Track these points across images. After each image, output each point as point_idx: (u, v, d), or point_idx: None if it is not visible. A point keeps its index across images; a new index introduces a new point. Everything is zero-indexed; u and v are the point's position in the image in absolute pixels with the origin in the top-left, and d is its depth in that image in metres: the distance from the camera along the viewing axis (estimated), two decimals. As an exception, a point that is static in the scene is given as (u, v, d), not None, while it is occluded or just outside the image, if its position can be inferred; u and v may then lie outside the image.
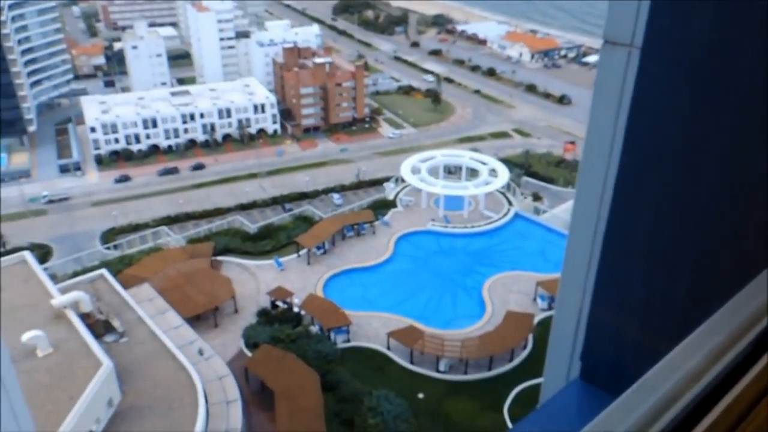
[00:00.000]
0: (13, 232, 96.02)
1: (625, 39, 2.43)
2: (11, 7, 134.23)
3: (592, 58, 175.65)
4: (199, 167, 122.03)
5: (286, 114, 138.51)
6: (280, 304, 58.95)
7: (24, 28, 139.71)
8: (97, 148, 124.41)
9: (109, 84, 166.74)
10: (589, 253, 2.81)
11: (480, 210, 75.02)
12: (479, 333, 55.29)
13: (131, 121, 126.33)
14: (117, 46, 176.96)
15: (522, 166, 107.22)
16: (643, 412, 1.58)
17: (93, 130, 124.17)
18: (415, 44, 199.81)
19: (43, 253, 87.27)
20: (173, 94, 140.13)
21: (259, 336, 53.58)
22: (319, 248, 67.03)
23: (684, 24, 2.02)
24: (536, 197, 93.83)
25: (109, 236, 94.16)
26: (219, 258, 66.43)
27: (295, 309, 58.16)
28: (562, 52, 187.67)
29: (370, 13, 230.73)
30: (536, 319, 56.53)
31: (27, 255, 51.72)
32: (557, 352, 3.06)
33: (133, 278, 58.16)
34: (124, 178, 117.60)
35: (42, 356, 40.39)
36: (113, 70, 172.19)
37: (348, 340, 55.22)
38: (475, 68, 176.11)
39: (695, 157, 2.18)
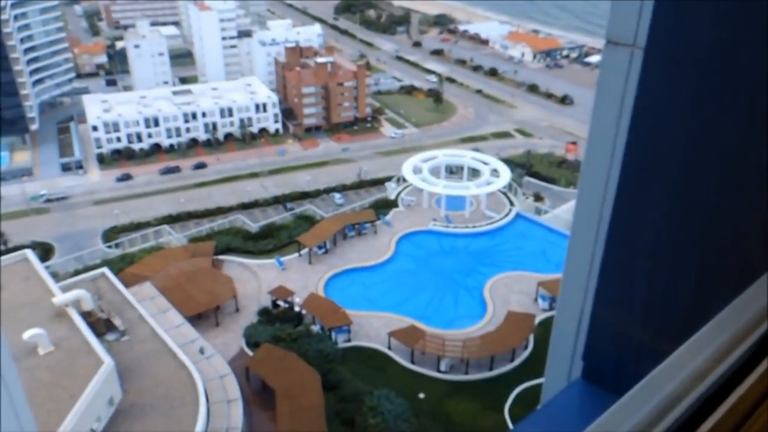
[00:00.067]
0: (15, 230, 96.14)
1: (627, 39, 2.43)
2: (14, 5, 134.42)
3: (595, 59, 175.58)
4: (200, 166, 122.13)
5: (288, 113, 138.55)
6: (281, 303, 58.98)
7: (26, 26, 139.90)
8: (99, 147, 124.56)
9: (111, 83, 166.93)
10: (591, 253, 2.81)
11: (481, 210, 75.01)
12: (480, 333, 55.28)
13: (133, 119, 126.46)
14: (119, 44, 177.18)
15: (524, 167, 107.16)
16: (647, 412, 1.58)
17: (95, 128, 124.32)
18: (417, 44, 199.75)
19: (44, 252, 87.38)
20: (175, 93, 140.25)
21: (260, 335, 53.60)
22: (320, 248, 67.04)
23: (687, 24, 2.01)
24: (538, 197, 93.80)
25: (110, 235, 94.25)
26: (220, 257, 66.47)
27: (296, 308, 58.19)
28: (565, 52, 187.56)
29: (372, 13, 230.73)
30: (537, 320, 56.51)
31: (29, 253, 51.76)
32: (559, 352, 3.06)
33: (135, 277, 58.21)
34: (126, 177, 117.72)
35: (43, 354, 40.43)
36: (115, 68, 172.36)
37: (349, 340, 55.23)
38: (477, 68, 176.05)
39: (698, 157, 2.18)
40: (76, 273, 61.06)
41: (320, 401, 45.39)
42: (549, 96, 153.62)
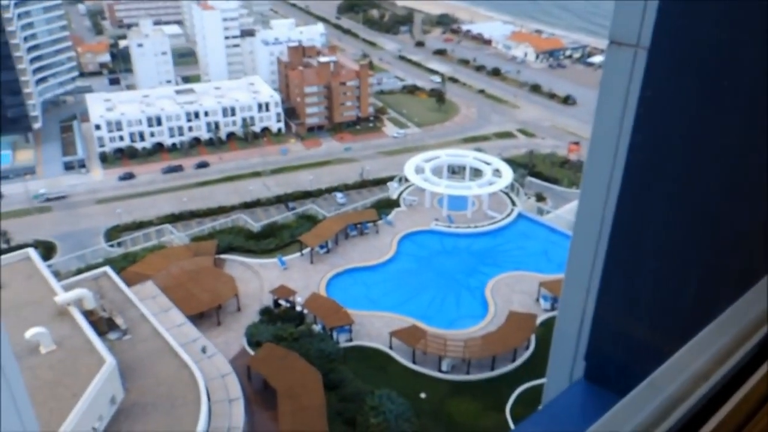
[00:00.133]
0: (17, 228, 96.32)
1: (630, 39, 2.43)
2: (17, 4, 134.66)
3: (597, 59, 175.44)
4: (203, 165, 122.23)
5: (291, 113, 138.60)
6: (282, 302, 59.00)
7: (30, 25, 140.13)
8: (102, 146, 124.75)
9: (114, 82, 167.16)
10: (593, 253, 2.81)
11: (483, 210, 74.98)
12: (482, 333, 55.26)
13: (136, 118, 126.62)
14: (122, 43, 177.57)
15: (526, 167, 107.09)
16: (649, 412, 1.57)
17: (98, 127, 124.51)
18: (419, 44, 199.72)
19: (47, 250, 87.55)
20: (178, 92, 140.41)
21: (262, 334, 53.62)
22: (322, 247, 67.07)
23: (691, 25, 2.01)
24: (540, 198, 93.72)
25: (113, 234, 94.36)
26: (222, 256, 66.50)
27: (298, 308, 58.20)
28: (567, 53, 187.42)
29: (375, 12, 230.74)
30: (539, 320, 56.48)
31: (31, 252, 51.83)
32: (560, 352, 3.06)
33: (137, 276, 58.26)
34: (129, 176, 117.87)
35: (45, 353, 40.48)
36: (118, 67, 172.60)
37: (350, 340, 55.24)
38: (479, 68, 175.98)
39: (702, 158, 2.17)
40: (79, 272, 61.14)
41: (322, 401, 45.40)
42: (552, 96, 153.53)
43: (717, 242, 2.26)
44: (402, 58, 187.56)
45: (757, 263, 2.07)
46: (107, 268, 55.26)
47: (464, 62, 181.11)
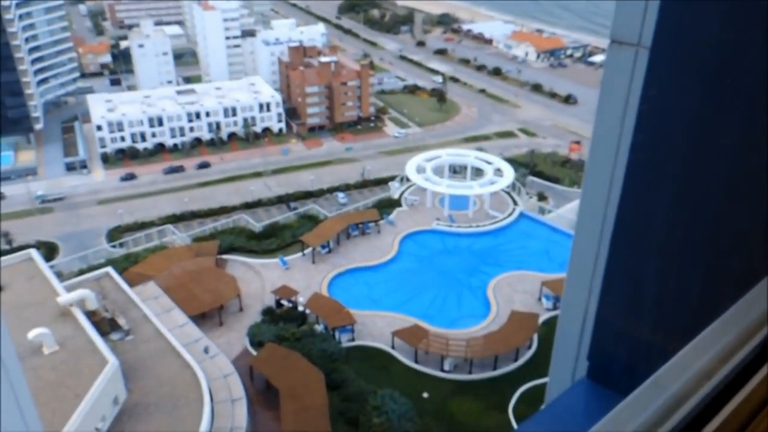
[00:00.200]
0: (19, 229, 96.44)
1: (632, 39, 2.43)
2: (18, 5, 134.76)
3: (598, 58, 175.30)
4: (204, 166, 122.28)
5: (292, 113, 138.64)
6: (285, 302, 59.03)
7: (31, 26, 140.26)
8: (103, 147, 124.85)
9: (116, 82, 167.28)
10: (595, 253, 2.81)
11: (485, 209, 74.97)
12: (484, 332, 55.26)
13: (137, 119, 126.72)
14: (123, 44, 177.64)
15: (527, 166, 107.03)
16: (653, 411, 1.57)
17: (99, 128, 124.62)
18: (420, 43, 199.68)
19: (49, 251, 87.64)
20: (179, 92, 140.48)
21: (264, 334, 53.64)
22: (323, 247, 67.09)
23: (693, 24, 2.01)
24: (541, 197, 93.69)
25: (114, 234, 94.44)
26: (224, 256, 66.54)
27: (300, 308, 58.22)
28: (568, 52, 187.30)
29: (375, 12, 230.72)
30: (541, 319, 56.46)
31: (33, 252, 51.88)
32: (563, 351, 3.06)
33: (139, 276, 58.32)
34: (130, 177, 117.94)
35: (48, 354, 40.53)
36: (119, 68, 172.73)
37: (353, 339, 55.25)
38: (480, 67, 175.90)
39: (704, 158, 2.17)
40: (81, 272, 61.21)
41: (324, 401, 45.41)
42: (553, 95, 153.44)
43: (720, 241, 2.25)
44: (403, 57, 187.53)
45: (761, 262, 2.07)
46: (109, 269, 55.31)
47: (465, 62, 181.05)
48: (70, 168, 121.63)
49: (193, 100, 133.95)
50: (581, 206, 2.90)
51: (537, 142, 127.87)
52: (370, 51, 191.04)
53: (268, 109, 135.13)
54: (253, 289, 61.30)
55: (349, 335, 55.23)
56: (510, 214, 74.32)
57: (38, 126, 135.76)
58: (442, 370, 52.54)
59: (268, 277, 63.04)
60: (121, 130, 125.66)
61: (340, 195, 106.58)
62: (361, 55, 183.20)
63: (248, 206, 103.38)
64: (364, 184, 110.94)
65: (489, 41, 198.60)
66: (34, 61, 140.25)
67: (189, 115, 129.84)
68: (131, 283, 54.09)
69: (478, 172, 78.86)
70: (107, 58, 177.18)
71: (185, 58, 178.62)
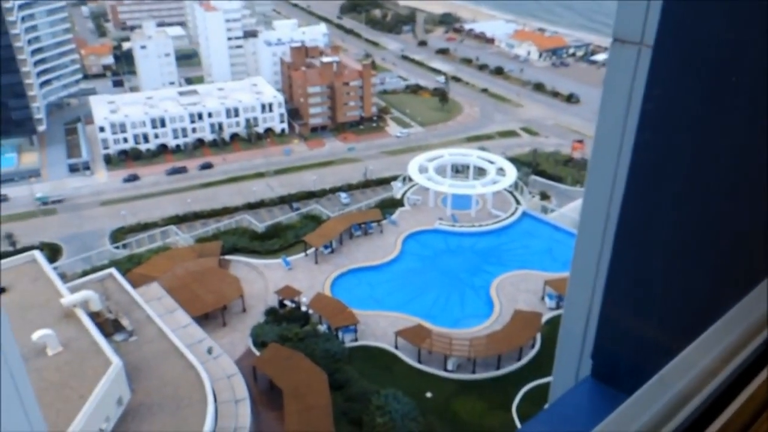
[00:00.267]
0: (23, 231, 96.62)
1: (634, 37, 2.42)
2: (21, 7, 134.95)
3: (601, 57, 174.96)
4: (207, 166, 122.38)
5: (294, 113, 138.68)
6: (287, 303, 59.07)
7: (34, 28, 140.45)
8: (106, 148, 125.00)
9: (118, 84, 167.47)
10: (598, 251, 2.81)
11: (488, 209, 74.93)
12: (487, 332, 55.23)
13: (140, 120, 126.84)
14: (126, 45, 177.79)
15: (530, 165, 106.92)
16: (657, 410, 1.57)
17: (102, 129, 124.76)
18: (422, 43, 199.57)
19: (52, 252, 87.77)
20: (181, 93, 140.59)
21: (267, 335, 53.69)
22: (326, 247, 67.11)
23: (696, 22, 2.01)
24: (544, 196, 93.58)
25: (117, 235, 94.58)
26: (227, 257, 66.62)
27: (303, 308, 58.26)
28: (571, 51, 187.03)
29: (377, 12, 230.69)
30: (544, 318, 56.41)
31: (37, 254, 52.01)
32: (567, 350, 3.06)
33: (142, 277, 58.41)
34: (133, 178, 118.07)
35: (52, 355, 40.62)
36: (122, 69, 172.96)
37: (356, 339, 55.26)
38: (482, 67, 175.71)
39: (708, 157, 2.17)
40: (84, 274, 61.35)
41: (327, 401, 45.43)
42: (555, 94, 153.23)
43: (723, 240, 2.25)
44: (405, 57, 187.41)
45: (765, 262, 2.06)
46: (113, 270, 55.43)
47: (467, 61, 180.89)
48: (73, 169, 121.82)
49: (196, 101, 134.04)
50: (584, 205, 2.89)
51: (539, 142, 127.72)
52: (372, 51, 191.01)
53: (271, 110, 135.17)
54: (256, 290, 61.35)
55: (352, 335, 55.24)
56: (513, 214, 74.26)
57: (41, 128, 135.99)
58: (446, 370, 52.52)
59: (271, 278, 63.08)
60: (123, 131, 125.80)
61: (343, 195, 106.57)
62: (363, 55, 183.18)
63: (251, 207, 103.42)
64: (367, 184, 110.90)
65: (491, 40, 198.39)
66: (36, 63, 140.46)
67: (191, 116, 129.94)
68: (134, 284, 54.19)
69: (480, 172, 78.81)
70: (110, 60, 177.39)
71: (188, 59, 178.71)
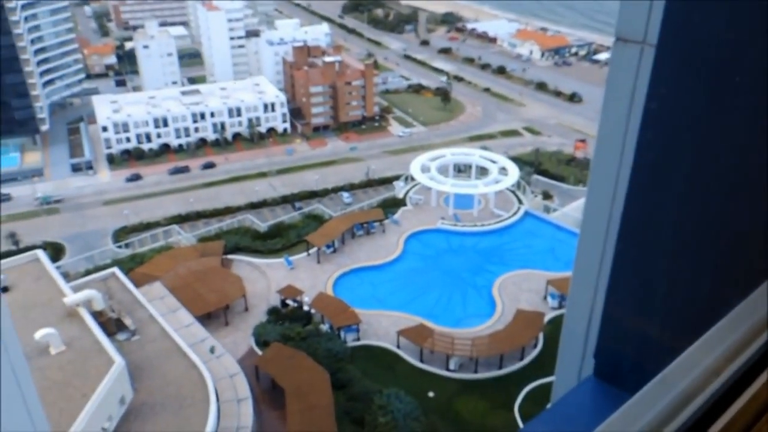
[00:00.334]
0: (26, 230, 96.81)
1: (637, 36, 2.42)
2: (24, 7, 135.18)
3: (603, 56, 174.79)
4: (209, 166, 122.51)
5: (296, 113, 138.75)
6: (290, 302, 59.11)
7: (36, 27, 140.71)
8: (109, 147, 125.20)
9: (121, 83, 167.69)
10: (601, 251, 2.80)
11: (490, 208, 74.89)
12: (489, 331, 55.21)
13: (142, 120, 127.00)
14: (128, 45, 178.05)
15: (532, 165, 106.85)
16: (660, 410, 1.57)
17: (104, 129, 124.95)
18: (424, 42, 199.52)
19: (55, 252, 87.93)
20: (184, 93, 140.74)
21: (270, 334, 53.75)
22: (328, 247, 67.13)
23: (699, 21, 2.01)
24: (546, 195, 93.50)
25: (120, 235, 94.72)
26: (229, 256, 66.69)
27: (305, 307, 58.30)
28: (573, 50, 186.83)
29: (379, 12, 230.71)
30: (547, 318, 56.38)
31: (40, 253, 52.12)
32: (569, 350, 3.05)
33: (145, 277, 58.50)
34: (136, 177, 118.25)
35: (55, 354, 40.70)
36: (124, 69, 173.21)
37: (358, 339, 55.29)
38: (485, 66, 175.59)
39: (711, 156, 2.17)
40: (87, 273, 61.48)
41: (330, 400, 45.47)
42: (557, 94, 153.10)
43: (727, 240, 2.25)
44: (407, 57, 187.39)
45: None
46: (115, 269, 55.54)
47: (469, 61, 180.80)
48: (76, 169, 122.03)
49: (198, 100, 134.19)
50: (587, 204, 2.89)
51: (542, 141, 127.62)
52: (374, 50, 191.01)
53: (273, 109, 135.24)
54: (259, 289, 61.40)
55: (355, 335, 55.28)
56: (515, 213, 74.21)
57: (44, 127, 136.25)
58: (448, 369, 52.52)
59: (273, 277, 63.14)
60: (126, 130, 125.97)
61: (345, 195, 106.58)
62: (365, 54, 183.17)
63: (253, 206, 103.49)
64: (369, 184, 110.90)
65: (493, 40, 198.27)
66: (39, 63, 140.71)
67: (194, 115, 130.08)
68: (137, 284, 54.29)
69: (482, 171, 78.78)
70: (112, 59, 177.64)
71: (190, 58, 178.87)
